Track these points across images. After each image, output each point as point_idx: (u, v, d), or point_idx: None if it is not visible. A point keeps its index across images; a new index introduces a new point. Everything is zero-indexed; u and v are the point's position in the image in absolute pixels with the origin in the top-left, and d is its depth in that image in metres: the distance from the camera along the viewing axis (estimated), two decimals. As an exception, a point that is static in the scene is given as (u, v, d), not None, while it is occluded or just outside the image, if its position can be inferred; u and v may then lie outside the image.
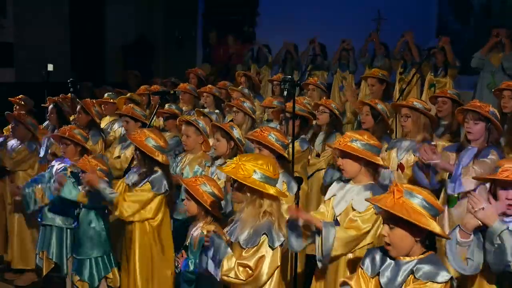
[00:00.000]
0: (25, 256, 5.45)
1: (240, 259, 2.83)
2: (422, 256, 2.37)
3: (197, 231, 3.46)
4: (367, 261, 2.52)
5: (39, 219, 4.85)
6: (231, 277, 2.81)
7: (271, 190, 2.84)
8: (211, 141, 4.66)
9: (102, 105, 6.61)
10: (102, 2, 12.12)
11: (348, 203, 3.28)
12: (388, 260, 2.44)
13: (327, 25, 10.19)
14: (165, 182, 4.07)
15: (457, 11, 9.88)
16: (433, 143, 4.53)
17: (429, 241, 2.41)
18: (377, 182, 3.39)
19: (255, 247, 2.82)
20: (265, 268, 2.82)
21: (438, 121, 5.06)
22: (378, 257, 2.50)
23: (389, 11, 9.79)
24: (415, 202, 2.32)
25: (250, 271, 2.81)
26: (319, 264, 3.20)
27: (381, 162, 3.30)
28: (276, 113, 5.46)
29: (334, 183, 3.52)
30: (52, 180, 4.66)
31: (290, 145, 4.23)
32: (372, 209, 3.17)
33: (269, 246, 2.83)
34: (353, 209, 3.24)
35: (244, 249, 2.85)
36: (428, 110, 4.49)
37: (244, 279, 2.80)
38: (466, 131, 3.97)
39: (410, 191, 2.35)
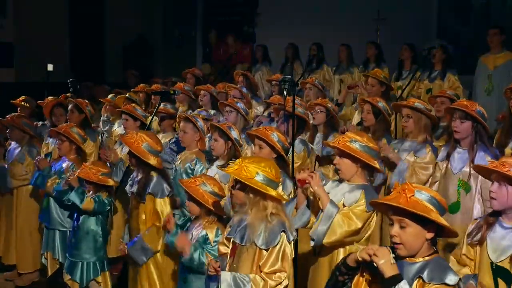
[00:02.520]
0: (30, 258, 5.46)
1: (268, 267, 2.84)
2: (428, 258, 2.36)
3: (198, 228, 3.46)
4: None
5: (46, 224, 4.91)
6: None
7: (273, 192, 2.87)
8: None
9: (104, 107, 6.64)
10: (102, 2, 12.11)
11: (339, 200, 3.27)
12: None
13: (327, 25, 10.19)
14: (164, 184, 4.07)
15: (457, 11, 9.86)
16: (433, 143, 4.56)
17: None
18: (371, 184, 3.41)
19: (277, 247, 2.85)
20: (288, 263, 2.90)
21: (438, 122, 5.08)
22: None
23: (389, 11, 9.79)
24: (425, 200, 2.33)
25: (285, 273, 2.86)
26: (311, 243, 3.23)
27: (378, 166, 3.29)
28: (277, 110, 5.45)
29: (330, 182, 3.52)
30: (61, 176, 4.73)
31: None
32: (363, 206, 3.16)
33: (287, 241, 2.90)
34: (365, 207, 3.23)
35: (264, 250, 2.86)
36: (429, 111, 4.50)
37: (282, 281, 2.85)
38: (453, 130, 4.00)
39: (420, 190, 2.36)
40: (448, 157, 4.05)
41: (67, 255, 4.50)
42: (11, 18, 10.13)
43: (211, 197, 3.41)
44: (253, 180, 2.84)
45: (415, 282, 2.32)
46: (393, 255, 2.30)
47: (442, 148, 4.28)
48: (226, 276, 2.85)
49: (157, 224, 3.99)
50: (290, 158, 4.50)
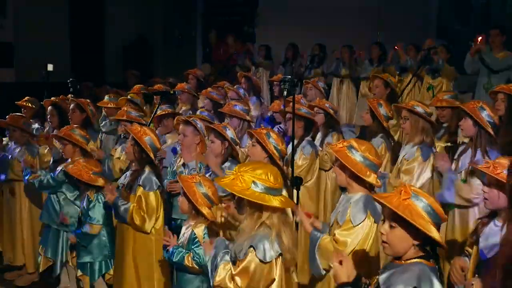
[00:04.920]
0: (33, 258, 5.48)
1: (233, 271, 2.77)
2: (409, 261, 2.32)
3: (188, 230, 3.45)
4: None
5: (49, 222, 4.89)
6: (222, 287, 2.77)
7: (274, 202, 2.69)
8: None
9: (104, 109, 6.63)
10: (102, 2, 12.12)
11: (345, 214, 3.16)
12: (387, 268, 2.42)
13: (327, 25, 10.20)
14: (154, 178, 4.12)
15: (457, 11, 9.87)
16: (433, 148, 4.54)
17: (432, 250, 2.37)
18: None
19: (243, 259, 2.73)
20: (251, 282, 2.72)
21: (439, 124, 5.08)
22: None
23: (389, 11, 9.80)
24: (420, 206, 2.29)
25: (239, 285, 2.73)
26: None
27: (370, 180, 3.06)
28: (283, 113, 5.44)
29: (342, 196, 3.38)
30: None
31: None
32: (367, 221, 3.04)
33: (259, 259, 2.70)
34: (351, 222, 3.11)
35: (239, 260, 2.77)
36: (429, 115, 4.46)
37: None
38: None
39: (417, 195, 2.32)
40: (459, 156, 4.06)
41: (75, 258, 4.52)
42: (11, 18, 10.14)
43: (202, 199, 3.36)
44: (248, 191, 2.66)
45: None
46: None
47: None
48: (221, 243, 2.91)
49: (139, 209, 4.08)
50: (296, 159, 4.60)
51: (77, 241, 4.43)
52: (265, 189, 2.70)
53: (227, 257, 2.85)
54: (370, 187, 3.14)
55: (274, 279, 2.77)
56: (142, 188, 4.07)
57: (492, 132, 3.87)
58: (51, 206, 4.82)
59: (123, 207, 4.07)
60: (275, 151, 3.85)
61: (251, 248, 2.70)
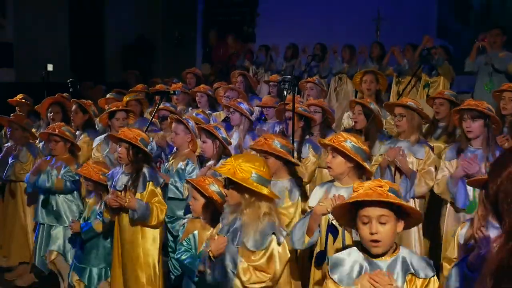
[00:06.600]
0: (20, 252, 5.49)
1: (253, 263, 2.85)
2: (397, 252, 2.41)
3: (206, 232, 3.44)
4: (339, 271, 2.45)
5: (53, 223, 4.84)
6: (256, 283, 2.84)
7: (265, 191, 2.86)
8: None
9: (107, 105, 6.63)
10: (102, 2, 12.12)
11: None
12: (365, 265, 2.40)
13: (327, 25, 10.21)
14: (157, 174, 4.17)
15: (457, 11, 9.88)
16: (431, 144, 4.54)
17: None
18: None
19: (265, 249, 2.86)
20: (277, 265, 2.86)
21: (436, 123, 5.06)
22: (350, 264, 2.44)
23: (389, 11, 9.80)
24: (391, 192, 2.37)
25: (268, 274, 2.85)
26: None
27: (369, 169, 3.34)
28: (279, 112, 5.43)
29: (317, 188, 3.52)
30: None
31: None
32: None
33: (277, 243, 2.87)
34: None
35: (253, 251, 2.87)
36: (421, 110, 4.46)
37: (265, 280, 2.85)
38: (465, 131, 3.97)
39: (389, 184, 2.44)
40: (458, 153, 4.02)
41: (74, 261, 4.45)
42: (11, 18, 10.12)
43: (217, 198, 3.44)
44: (249, 181, 2.83)
45: (408, 279, 2.36)
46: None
47: (449, 147, 4.25)
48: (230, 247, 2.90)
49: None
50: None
51: (78, 247, 4.39)
52: (261, 180, 2.87)
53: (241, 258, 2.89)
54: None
55: (288, 257, 2.94)
56: (152, 183, 4.08)
57: (501, 124, 3.94)
58: (51, 207, 4.79)
59: (142, 205, 3.99)
60: (288, 154, 3.83)
61: (273, 235, 2.86)
